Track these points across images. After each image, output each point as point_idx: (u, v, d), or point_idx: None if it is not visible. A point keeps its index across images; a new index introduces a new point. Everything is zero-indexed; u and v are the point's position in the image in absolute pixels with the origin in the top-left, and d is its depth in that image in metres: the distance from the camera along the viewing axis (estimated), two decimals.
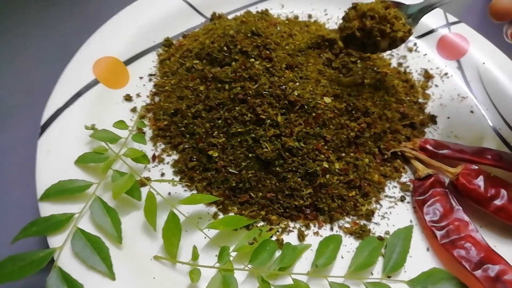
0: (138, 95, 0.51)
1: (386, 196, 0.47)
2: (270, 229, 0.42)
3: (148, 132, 0.48)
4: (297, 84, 0.44)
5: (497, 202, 0.43)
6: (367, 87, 0.49)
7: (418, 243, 0.43)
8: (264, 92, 0.43)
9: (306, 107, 0.43)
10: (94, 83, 0.48)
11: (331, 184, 0.43)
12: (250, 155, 0.43)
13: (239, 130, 0.43)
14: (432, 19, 0.62)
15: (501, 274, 0.38)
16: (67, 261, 0.36)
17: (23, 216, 0.42)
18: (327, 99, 0.44)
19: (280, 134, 0.43)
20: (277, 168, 0.43)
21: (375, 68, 0.52)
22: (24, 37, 0.60)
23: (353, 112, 0.46)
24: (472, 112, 0.55)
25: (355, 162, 0.45)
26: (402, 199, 0.46)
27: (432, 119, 0.53)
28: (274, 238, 0.42)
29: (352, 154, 0.45)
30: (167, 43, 0.56)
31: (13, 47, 0.58)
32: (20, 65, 0.56)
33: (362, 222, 0.44)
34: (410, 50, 0.61)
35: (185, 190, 0.44)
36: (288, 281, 0.38)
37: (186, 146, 0.46)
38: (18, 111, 0.51)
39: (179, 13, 0.59)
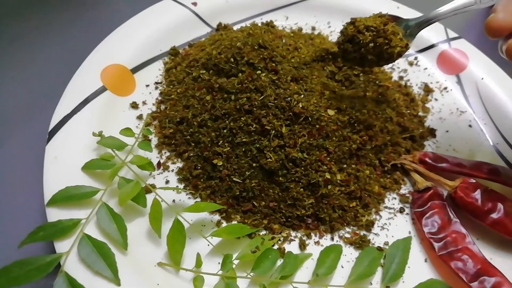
0: (144, 103, 0.52)
1: (385, 207, 0.47)
2: (272, 238, 0.43)
3: (154, 140, 0.49)
4: (302, 96, 0.45)
5: (494, 215, 0.44)
6: (369, 100, 0.50)
7: (416, 254, 0.44)
8: (269, 104, 0.44)
9: (310, 119, 0.44)
10: (102, 90, 0.49)
11: (332, 194, 0.44)
12: (254, 164, 0.44)
13: (244, 140, 0.44)
14: (432, 34, 0.64)
15: (497, 286, 0.39)
16: (73, 266, 0.36)
17: (31, 221, 0.43)
18: (331, 112, 0.45)
19: (284, 144, 0.44)
20: (280, 178, 0.44)
21: (377, 82, 0.53)
22: (33, 44, 0.60)
23: (356, 124, 0.47)
24: (470, 126, 0.56)
25: (356, 173, 0.46)
26: (401, 210, 0.47)
27: (432, 132, 0.55)
28: (276, 246, 0.42)
29: (353, 166, 0.46)
30: (173, 52, 0.57)
31: (21, 53, 0.59)
32: (29, 72, 0.57)
33: (362, 232, 0.45)
34: (411, 64, 0.63)
35: (189, 198, 0.45)
36: None
37: (191, 154, 0.46)
38: (26, 117, 0.52)
39: (186, 23, 0.60)
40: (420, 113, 0.57)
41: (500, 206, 0.44)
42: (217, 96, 0.47)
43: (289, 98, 0.45)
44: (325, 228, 0.44)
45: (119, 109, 0.50)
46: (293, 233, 0.44)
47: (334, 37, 0.63)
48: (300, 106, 0.44)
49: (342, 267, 0.42)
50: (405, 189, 0.49)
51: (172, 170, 0.47)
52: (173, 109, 0.50)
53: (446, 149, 0.53)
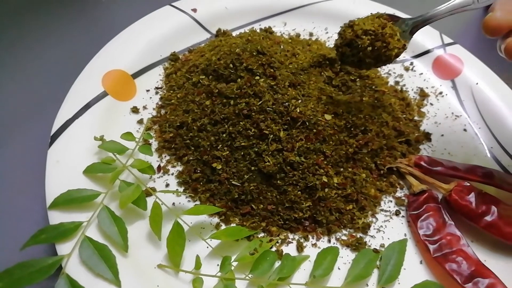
0: (144, 108, 0.53)
1: (381, 210, 0.48)
2: (270, 240, 0.43)
3: (154, 144, 0.50)
4: (299, 101, 0.46)
5: (488, 218, 0.45)
6: (366, 105, 0.51)
7: (411, 256, 0.44)
8: (267, 109, 0.45)
9: (307, 123, 0.45)
10: (103, 95, 0.50)
11: (329, 197, 0.45)
12: (252, 168, 0.45)
13: (243, 144, 0.45)
14: (428, 40, 0.65)
15: None
16: (74, 268, 0.36)
17: (33, 224, 0.43)
18: (328, 116, 0.46)
19: (282, 148, 0.44)
20: (278, 181, 0.44)
21: (373, 87, 0.54)
22: (35, 49, 0.61)
23: (352, 129, 0.48)
24: (465, 130, 0.57)
25: (353, 177, 0.47)
26: (397, 213, 0.48)
27: (427, 136, 0.55)
28: (274, 249, 0.43)
29: (350, 169, 0.47)
30: (173, 57, 0.58)
31: (24, 58, 0.60)
32: (31, 76, 0.57)
33: (359, 235, 0.45)
34: (406, 69, 0.64)
35: (189, 201, 0.46)
36: None
37: (191, 158, 0.47)
38: (28, 121, 0.52)
39: (186, 29, 0.61)
40: (416, 118, 0.57)
41: (494, 209, 0.45)
42: (216, 101, 0.47)
43: (287, 103, 0.45)
44: (322, 231, 0.45)
45: (120, 114, 0.51)
46: (290, 236, 0.45)
47: (331, 42, 0.64)
48: (298, 111, 0.45)
49: (339, 268, 0.43)
50: (401, 192, 0.50)
51: (172, 174, 0.47)
52: (173, 113, 0.51)
53: (441, 152, 0.54)
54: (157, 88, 0.55)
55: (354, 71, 0.53)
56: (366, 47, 0.44)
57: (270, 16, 0.66)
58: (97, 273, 0.37)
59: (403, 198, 0.49)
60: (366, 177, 0.48)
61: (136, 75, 0.54)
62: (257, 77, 0.47)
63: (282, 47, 0.52)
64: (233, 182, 0.45)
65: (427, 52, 0.64)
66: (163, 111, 0.52)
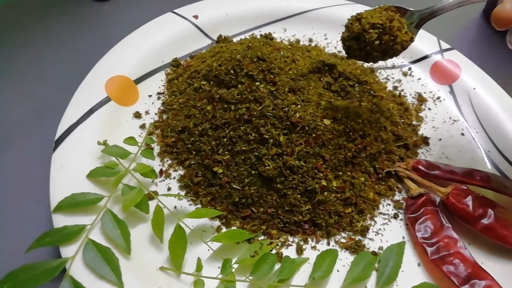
0: (147, 113, 0.53)
1: (380, 213, 0.49)
2: (271, 243, 0.44)
3: (156, 148, 0.50)
4: (299, 106, 0.47)
5: (485, 221, 0.45)
6: (364, 110, 0.51)
7: (410, 259, 0.45)
8: (268, 114, 0.46)
9: (306, 128, 0.46)
10: (106, 100, 0.50)
11: (328, 201, 0.46)
12: (253, 172, 0.45)
13: (243, 148, 0.46)
14: (426, 46, 0.66)
15: None
16: (78, 271, 0.37)
17: (37, 227, 0.44)
18: (327, 121, 0.47)
19: (282, 153, 0.45)
20: (278, 185, 0.45)
21: (371, 92, 0.55)
22: (39, 55, 0.62)
23: (351, 133, 0.48)
24: (463, 134, 0.58)
25: (352, 180, 0.47)
26: (395, 216, 0.49)
27: (425, 140, 0.56)
28: (274, 251, 0.43)
29: (349, 173, 0.48)
30: (175, 63, 0.59)
31: (28, 64, 0.61)
32: (35, 82, 0.58)
33: (357, 237, 0.46)
34: (405, 74, 0.64)
35: (190, 204, 0.46)
36: None
37: (192, 162, 0.48)
38: (33, 126, 0.53)
39: (187, 35, 0.61)
40: (414, 122, 0.58)
41: (490, 212, 0.46)
42: (217, 106, 0.48)
43: (286, 108, 0.46)
44: (321, 233, 0.46)
45: (122, 119, 0.51)
46: (290, 238, 0.45)
47: (330, 48, 0.65)
48: (297, 116, 0.46)
49: (338, 271, 0.43)
50: (399, 195, 0.50)
51: (174, 178, 0.48)
52: (175, 118, 0.51)
53: (439, 156, 0.55)
54: (159, 93, 0.56)
55: (352, 76, 0.54)
56: (374, 40, 0.43)
57: (270, 23, 0.67)
58: (100, 275, 0.37)
59: (401, 201, 0.50)
60: (365, 180, 0.48)
61: (138, 80, 0.55)
62: (258, 83, 0.48)
63: (282, 53, 0.53)
64: (233, 186, 0.45)
65: (425, 57, 0.65)
66: (165, 116, 0.53)
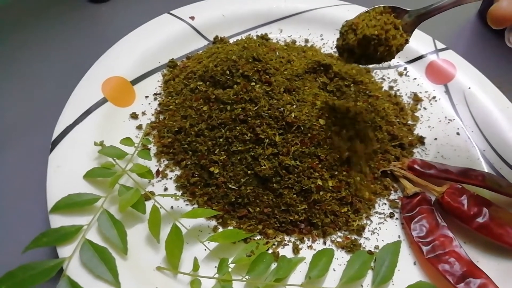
0: (143, 113, 0.54)
1: (376, 212, 0.49)
2: (267, 243, 0.44)
3: (153, 149, 0.51)
4: (294, 106, 0.47)
5: (480, 219, 0.45)
6: (360, 109, 0.52)
7: (405, 258, 0.45)
8: (263, 114, 0.46)
9: (302, 128, 0.46)
10: (103, 101, 0.51)
11: (324, 200, 0.46)
12: (249, 172, 0.46)
13: (239, 148, 0.46)
14: (421, 46, 0.66)
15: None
16: (75, 271, 0.37)
17: (34, 228, 0.44)
18: (322, 121, 0.47)
19: (278, 153, 0.45)
20: (274, 185, 0.45)
21: (367, 92, 0.55)
22: (35, 57, 0.62)
23: (346, 133, 0.49)
24: (458, 134, 0.58)
25: (347, 180, 0.48)
26: (391, 215, 0.49)
27: (420, 140, 0.56)
28: (270, 251, 0.44)
29: (344, 173, 0.48)
30: (171, 64, 0.59)
31: (25, 65, 0.61)
32: (32, 83, 0.59)
33: (353, 236, 0.46)
34: (400, 74, 0.65)
35: (187, 204, 0.46)
36: None
37: (189, 162, 0.48)
38: (30, 127, 0.53)
39: (184, 36, 0.62)
40: (410, 122, 0.58)
41: (485, 210, 0.46)
42: (213, 107, 0.49)
43: (282, 109, 0.46)
44: (317, 233, 0.46)
45: (119, 120, 0.52)
46: (286, 238, 0.45)
47: (326, 49, 0.66)
48: (293, 116, 0.46)
49: (334, 270, 0.43)
50: (395, 195, 0.51)
51: (171, 178, 0.48)
52: (172, 119, 0.52)
53: (435, 156, 0.55)
54: (155, 94, 0.56)
55: (348, 76, 0.54)
56: (369, 51, 0.43)
57: (267, 23, 0.67)
58: (97, 275, 0.37)
59: (397, 200, 0.50)
60: (361, 180, 0.49)
61: (135, 81, 0.55)
62: (253, 83, 0.48)
63: (277, 53, 0.53)
64: (230, 186, 0.46)
65: (420, 57, 0.66)
66: (161, 117, 0.53)
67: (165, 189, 0.48)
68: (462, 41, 0.75)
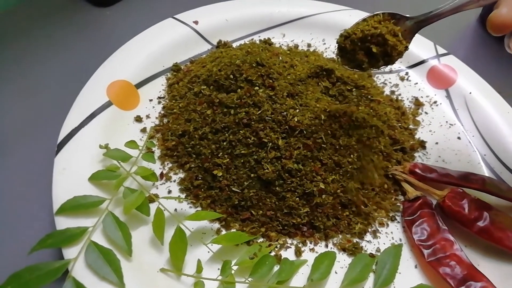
0: (148, 117, 0.54)
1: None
2: (269, 245, 0.44)
3: (157, 152, 0.51)
4: (297, 111, 0.47)
5: (480, 223, 0.46)
6: (362, 114, 0.52)
7: (407, 261, 0.46)
8: (266, 118, 0.47)
9: (305, 132, 0.47)
10: (108, 105, 0.51)
11: (326, 203, 0.46)
12: (252, 175, 0.46)
13: (243, 152, 0.46)
14: (423, 51, 0.66)
15: None
16: (80, 272, 0.37)
17: (40, 229, 0.44)
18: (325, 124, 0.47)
19: (281, 156, 0.46)
20: (277, 188, 0.46)
21: (369, 96, 0.55)
22: (42, 60, 0.63)
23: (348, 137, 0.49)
24: (459, 138, 0.59)
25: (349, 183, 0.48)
26: (392, 219, 0.49)
27: (422, 144, 0.57)
28: (273, 253, 0.44)
29: (346, 176, 0.48)
30: (175, 68, 0.60)
31: (31, 69, 0.61)
32: (38, 87, 0.59)
33: (355, 240, 0.47)
34: (402, 79, 0.65)
35: (191, 207, 0.47)
36: None
37: (192, 165, 0.49)
38: (35, 130, 0.54)
39: (187, 40, 0.62)
40: (411, 126, 0.59)
41: (486, 214, 0.46)
42: (217, 111, 0.49)
43: (285, 113, 0.47)
44: (319, 236, 0.46)
45: (124, 123, 0.52)
46: (289, 241, 0.46)
47: (328, 53, 0.66)
48: (296, 120, 0.47)
49: (336, 272, 0.44)
50: (396, 198, 0.51)
51: (174, 181, 0.49)
52: (175, 122, 0.52)
53: (436, 160, 0.55)
54: (159, 97, 0.57)
55: (350, 81, 0.55)
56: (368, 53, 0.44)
57: (269, 28, 0.68)
58: (102, 276, 0.38)
59: (399, 204, 0.50)
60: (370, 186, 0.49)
61: (139, 85, 0.56)
62: (257, 88, 0.48)
63: (280, 58, 0.54)
64: (233, 189, 0.46)
65: (422, 62, 0.66)
66: (165, 120, 0.54)
67: (169, 191, 0.48)
68: (463, 46, 0.75)
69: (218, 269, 0.41)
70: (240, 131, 0.47)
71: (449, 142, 0.58)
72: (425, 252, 0.44)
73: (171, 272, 0.41)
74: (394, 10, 0.45)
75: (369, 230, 0.48)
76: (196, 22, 0.64)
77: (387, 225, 0.49)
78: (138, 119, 0.53)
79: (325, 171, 0.47)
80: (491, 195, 0.50)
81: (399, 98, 0.62)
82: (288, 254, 0.45)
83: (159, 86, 0.58)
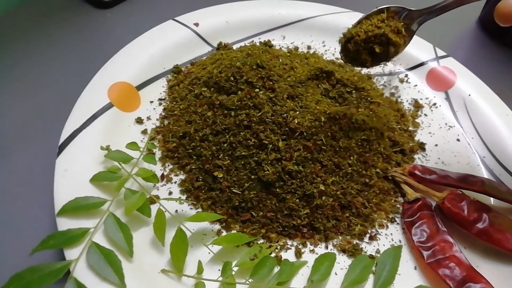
0: (148, 118, 0.54)
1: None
2: (270, 246, 0.44)
3: (158, 153, 0.51)
4: (297, 112, 0.48)
5: (479, 225, 0.46)
6: (361, 115, 0.52)
7: (406, 262, 0.46)
8: (267, 120, 0.47)
9: (305, 134, 0.47)
10: (109, 106, 0.51)
11: (326, 205, 0.46)
12: (252, 176, 0.46)
13: (243, 153, 0.47)
14: (422, 53, 0.67)
15: None
16: (82, 273, 0.38)
17: (41, 230, 0.45)
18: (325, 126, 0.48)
19: (281, 158, 0.46)
20: (277, 189, 0.46)
21: (369, 98, 0.55)
22: (43, 62, 0.63)
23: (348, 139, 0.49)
24: (458, 140, 0.59)
25: (349, 185, 0.48)
26: (392, 220, 0.49)
27: (421, 146, 0.57)
28: (273, 254, 0.44)
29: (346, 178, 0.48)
30: (176, 70, 0.60)
31: (33, 70, 0.62)
32: (40, 88, 0.59)
33: (355, 241, 0.47)
34: (401, 81, 0.65)
35: (191, 208, 0.47)
36: None
37: (193, 167, 0.49)
38: (37, 132, 0.54)
39: (188, 42, 0.62)
40: (410, 128, 0.59)
41: (485, 216, 0.46)
42: (217, 112, 0.49)
43: (285, 115, 0.47)
44: (319, 237, 0.46)
45: (125, 124, 0.52)
46: (289, 242, 0.46)
47: (328, 55, 0.67)
48: (296, 122, 0.47)
49: (336, 274, 0.44)
50: (396, 200, 0.51)
51: (175, 182, 0.49)
52: (176, 124, 0.52)
53: (435, 162, 0.56)
54: (160, 99, 0.57)
55: (350, 83, 0.55)
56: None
57: (270, 30, 0.68)
58: (103, 277, 0.38)
59: (398, 206, 0.51)
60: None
61: (140, 87, 0.56)
62: (257, 90, 0.49)
63: (281, 60, 0.54)
64: (233, 190, 0.46)
65: (421, 64, 0.66)
66: (166, 122, 0.54)
67: (170, 193, 0.48)
68: (462, 48, 0.76)
69: (219, 270, 0.42)
70: (241, 133, 0.47)
71: (449, 144, 0.58)
72: (425, 253, 0.45)
73: (172, 273, 0.41)
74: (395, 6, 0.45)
75: (369, 231, 0.48)
76: (196, 24, 0.64)
77: (387, 226, 0.49)
78: (139, 120, 0.53)
79: (325, 173, 0.47)
80: (490, 197, 0.50)
81: (399, 100, 0.63)
82: (288, 255, 0.45)
83: (160, 88, 0.58)
